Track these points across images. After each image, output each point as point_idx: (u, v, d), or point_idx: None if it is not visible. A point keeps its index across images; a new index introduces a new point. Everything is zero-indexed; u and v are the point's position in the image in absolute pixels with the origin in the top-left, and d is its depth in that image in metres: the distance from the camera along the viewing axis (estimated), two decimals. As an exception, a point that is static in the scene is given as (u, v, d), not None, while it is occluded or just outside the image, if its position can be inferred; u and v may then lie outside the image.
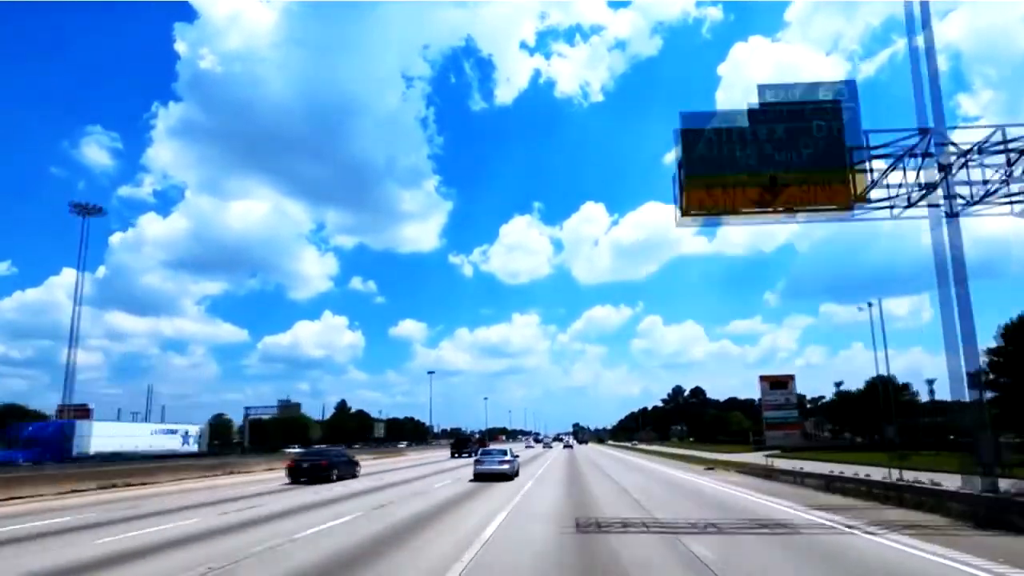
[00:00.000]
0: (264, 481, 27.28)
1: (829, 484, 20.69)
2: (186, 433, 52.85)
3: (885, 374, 43.40)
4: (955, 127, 12.87)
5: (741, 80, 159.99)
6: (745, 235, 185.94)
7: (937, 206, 13.45)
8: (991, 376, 39.69)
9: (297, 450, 62.13)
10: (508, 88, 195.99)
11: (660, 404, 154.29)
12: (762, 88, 13.89)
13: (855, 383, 71.18)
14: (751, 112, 13.81)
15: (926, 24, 13.09)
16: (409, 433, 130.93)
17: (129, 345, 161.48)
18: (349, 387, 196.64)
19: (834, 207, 13.08)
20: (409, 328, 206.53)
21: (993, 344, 40.84)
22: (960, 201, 13.36)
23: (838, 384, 67.85)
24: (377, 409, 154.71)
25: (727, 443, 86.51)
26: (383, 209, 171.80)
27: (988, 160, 12.94)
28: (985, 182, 13.10)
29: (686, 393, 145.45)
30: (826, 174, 13.03)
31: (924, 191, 13.13)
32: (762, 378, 65.46)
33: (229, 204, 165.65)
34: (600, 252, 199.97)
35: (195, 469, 29.50)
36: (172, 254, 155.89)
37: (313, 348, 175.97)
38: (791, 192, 13.06)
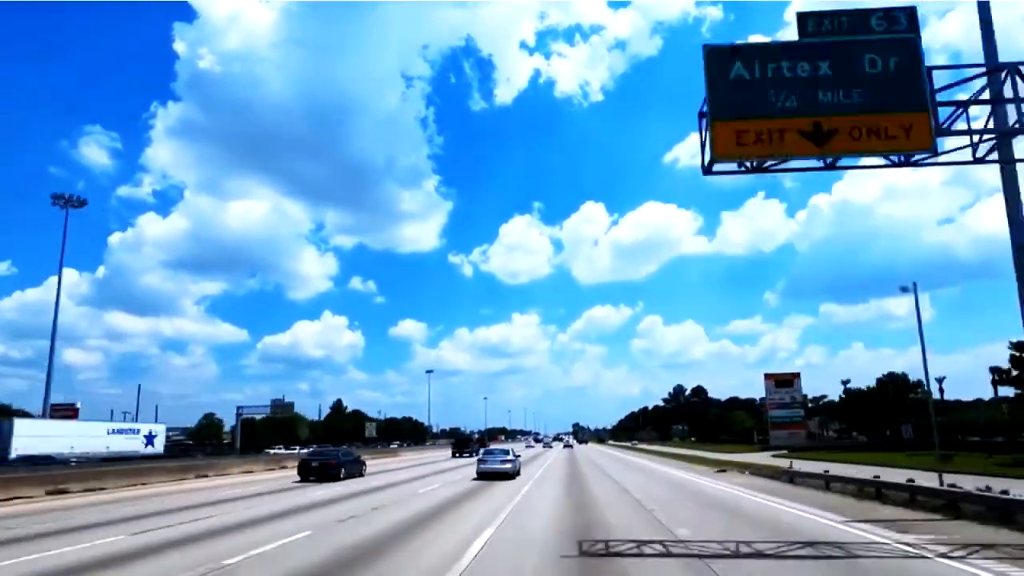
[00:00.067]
0: (236, 485, 24.77)
1: (863, 490, 18.17)
2: (150, 433, 48.69)
3: (925, 369, 40.64)
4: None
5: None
6: (745, 235, 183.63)
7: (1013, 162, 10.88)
8: (1014, 373, 37.00)
9: (280, 451, 59.58)
10: (508, 88, 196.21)
11: (661, 404, 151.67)
12: (802, 18, 11.37)
13: (857, 383, 68.82)
14: (789, 47, 11.30)
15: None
16: (407, 433, 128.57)
17: (129, 345, 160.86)
18: (349, 387, 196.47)
19: (895, 150, 10.54)
20: (409, 328, 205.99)
21: (1010, 340, 38.17)
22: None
23: (845, 382, 65.12)
24: (376, 409, 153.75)
25: (730, 443, 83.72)
26: (383, 209, 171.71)
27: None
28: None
29: (687, 392, 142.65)
30: (884, 116, 10.51)
31: (999, 137, 10.58)
32: (767, 376, 63.50)
33: (228, 204, 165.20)
34: (600, 252, 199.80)
35: (158, 473, 26.40)
36: (171, 254, 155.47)
37: (313, 348, 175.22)
38: (841, 138, 10.53)
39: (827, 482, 20.52)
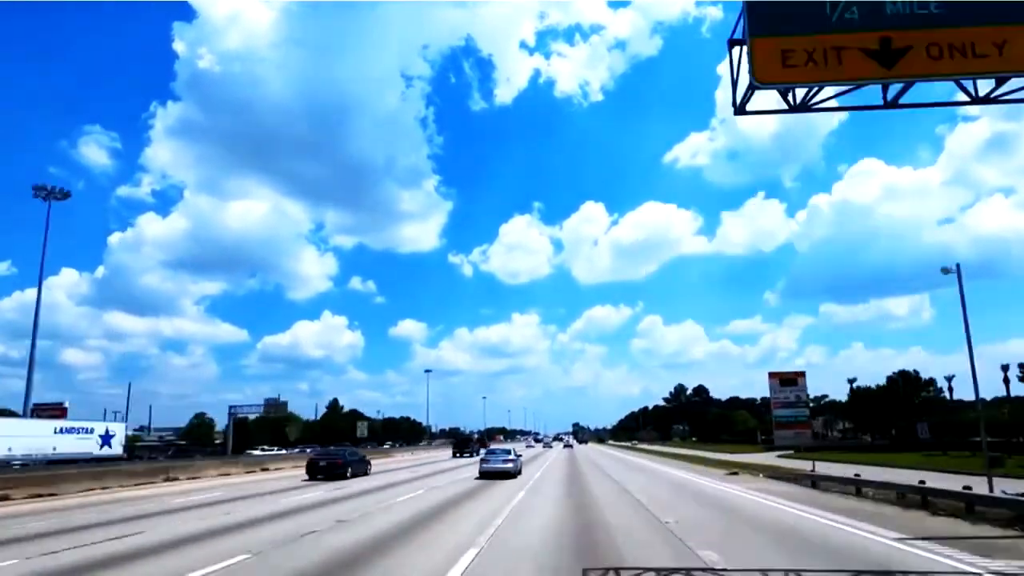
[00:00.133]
0: (208, 489, 22.32)
1: (904, 497, 15.77)
2: (106, 433, 44.16)
3: (973, 369, 38.25)
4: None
5: (742, 79, 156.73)
6: (745, 235, 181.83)
7: None
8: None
9: (269, 451, 56.52)
10: (508, 88, 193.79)
11: (662, 403, 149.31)
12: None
13: (858, 382, 66.26)
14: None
15: None
16: (405, 433, 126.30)
17: (128, 345, 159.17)
18: (349, 387, 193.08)
19: (984, 72, 8.15)
20: (409, 328, 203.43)
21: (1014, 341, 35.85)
22: None
23: (851, 381, 62.32)
24: (376, 409, 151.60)
25: (732, 443, 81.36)
26: (382, 209, 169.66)
27: None
28: None
29: (689, 392, 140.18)
30: (971, 28, 8.14)
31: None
32: (771, 375, 60.51)
33: (228, 204, 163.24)
34: (600, 252, 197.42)
35: (116, 476, 23.80)
36: (171, 254, 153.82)
37: (313, 348, 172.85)
38: (915, 57, 8.15)
39: (858, 487, 18.14)
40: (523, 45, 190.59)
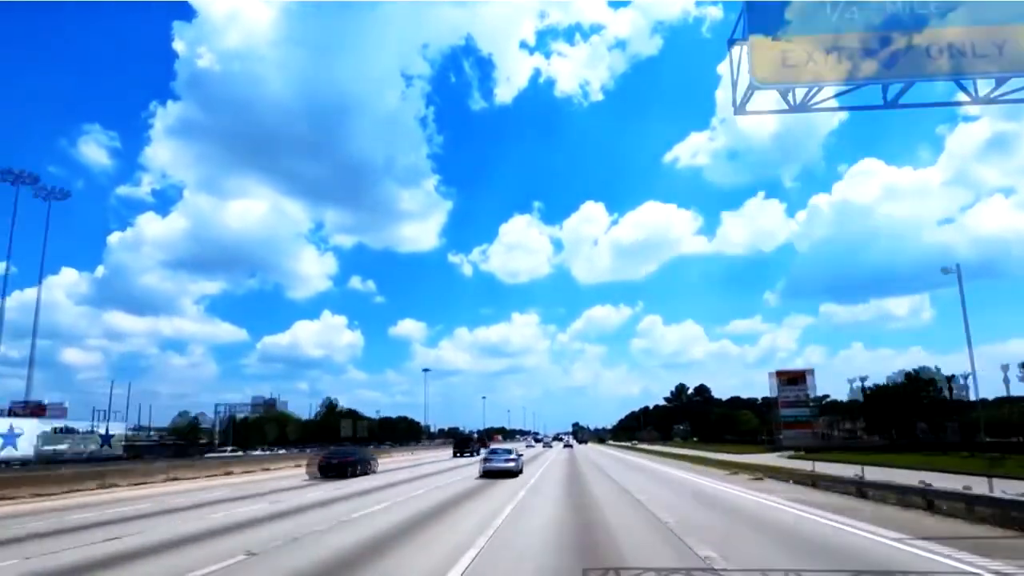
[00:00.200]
0: (131, 501, 19.25)
1: (973, 507, 13.33)
2: (10, 432, 39.81)
3: (973, 366, 38.58)
4: None
5: (742, 79, 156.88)
6: (745, 235, 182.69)
7: None
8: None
9: (226, 455, 55.01)
10: (508, 87, 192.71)
11: (662, 403, 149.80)
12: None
13: (862, 382, 66.46)
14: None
15: None
16: (403, 433, 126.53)
17: (128, 345, 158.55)
18: (348, 387, 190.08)
19: (983, 72, 8.41)
20: (408, 328, 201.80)
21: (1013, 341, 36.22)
22: None
23: (862, 379, 62.28)
24: (375, 409, 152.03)
25: (734, 443, 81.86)
26: (382, 208, 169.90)
27: None
28: None
29: (690, 391, 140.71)
30: (970, 28, 8.40)
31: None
32: (776, 374, 61.65)
33: (228, 203, 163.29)
34: (600, 252, 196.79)
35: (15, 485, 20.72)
36: (171, 254, 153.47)
37: (312, 348, 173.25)
38: (915, 57, 8.41)
39: (929, 501, 14.77)
40: (523, 45, 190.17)
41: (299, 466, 39.13)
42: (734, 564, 8.70)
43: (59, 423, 48.40)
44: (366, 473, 29.26)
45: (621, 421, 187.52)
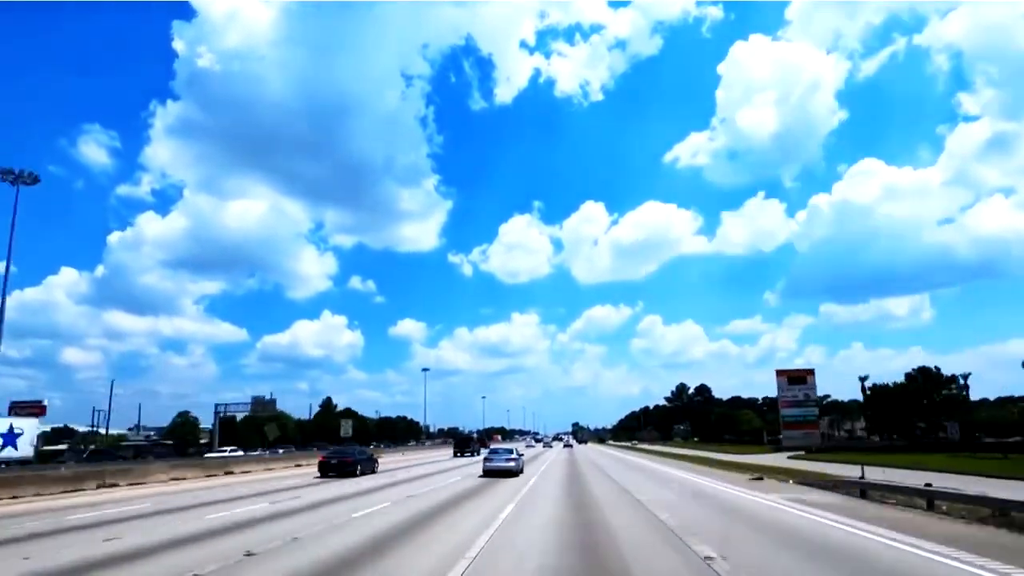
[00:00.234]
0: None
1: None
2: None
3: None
4: None
5: (741, 79, 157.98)
6: (745, 235, 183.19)
7: None
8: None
9: (227, 453, 53.63)
10: (508, 87, 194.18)
11: (663, 403, 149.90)
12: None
13: (856, 382, 66.20)
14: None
15: None
16: (402, 433, 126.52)
17: (128, 344, 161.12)
18: (348, 387, 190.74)
19: None
20: (408, 327, 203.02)
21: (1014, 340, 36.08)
22: None
23: (863, 379, 62.10)
24: (374, 409, 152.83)
25: (736, 443, 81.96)
26: (382, 208, 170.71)
27: None
28: None
29: (691, 391, 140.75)
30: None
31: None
32: (779, 373, 61.40)
33: (227, 203, 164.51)
34: (600, 252, 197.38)
35: None
36: (170, 253, 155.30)
37: (312, 348, 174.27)
38: None
39: (930, 500, 14.55)
40: (523, 44, 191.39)
41: (299, 466, 39.13)
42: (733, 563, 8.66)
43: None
44: (366, 473, 29.73)
45: (621, 421, 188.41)
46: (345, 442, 65.02)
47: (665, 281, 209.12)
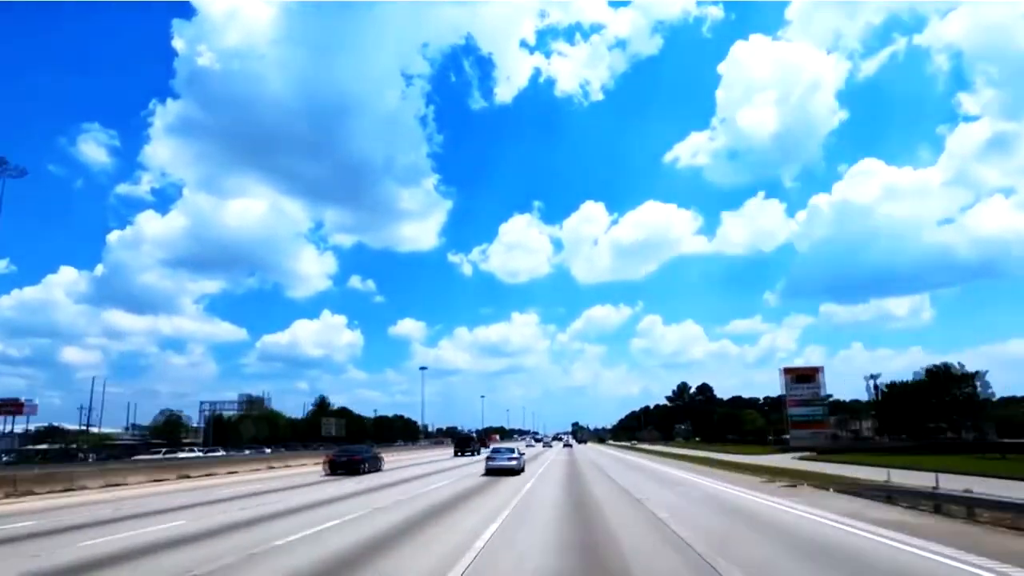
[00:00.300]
0: None
1: None
2: None
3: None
4: None
5: (742, 78, 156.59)
6: (745, 235, 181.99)
7: None
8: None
9: (187, 454, 48.91)
10: (508, 87, 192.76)
11: (663, 402, 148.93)
12: None
13: (859, 382, 63.91)
14: None
15: None
16: (399, 432, 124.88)
17: (128, 344, 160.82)
18: (348, 386, 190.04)
19: None
20: (408, 327, 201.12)
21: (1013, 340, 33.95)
22: None
23: (874, 376, 59.52)
24: (373, 408, 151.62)
25: (739, 443, 79.96)
26: (382, 208, 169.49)
27: None
28: None
29: (692, 390, 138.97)
30: None
31: None
32: (785, 371, 59.51)
33: (227, 202, 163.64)
34: (600, 251, 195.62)
35: None
36: (170, 252, 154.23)
37: (312, 347, 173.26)
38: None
39: None
40: (523, 44, 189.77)
41: (271, 467, 36.53)
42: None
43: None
44: (371, 471, 30.61)
45: (621, 421, 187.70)
46: (328, 441, 62.98)
47: (665, 281, 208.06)
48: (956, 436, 53.32)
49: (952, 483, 16.43)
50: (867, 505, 15.21)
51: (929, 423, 52.27)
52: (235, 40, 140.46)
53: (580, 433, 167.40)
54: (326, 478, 27.31)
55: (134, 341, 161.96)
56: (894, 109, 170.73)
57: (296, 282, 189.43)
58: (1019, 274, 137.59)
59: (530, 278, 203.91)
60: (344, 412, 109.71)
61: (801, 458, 40.52)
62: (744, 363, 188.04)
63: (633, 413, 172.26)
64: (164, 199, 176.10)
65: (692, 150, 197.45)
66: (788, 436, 57.68)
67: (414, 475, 28.65)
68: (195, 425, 74.12)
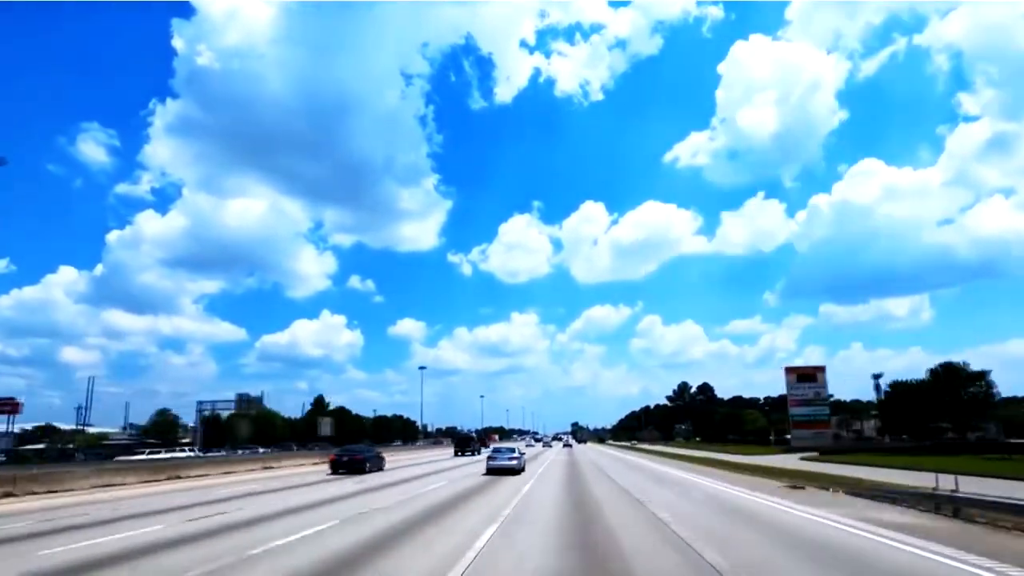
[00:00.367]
0: None
1: None
2: None
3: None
4: None
5: (742, 78, 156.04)
6: (745, 235, 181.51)
7: None
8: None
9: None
10: (508, 87, 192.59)
11: (664, 402, 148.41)
12: None
13: (860, 382, 62.94)
14: None
15: None
16: (398, 432, 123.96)
17: (127, 343, 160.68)
18: (348, 386, 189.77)
19: None
20: (408, 327, 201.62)
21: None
22: None
23: (877, 376, 58.46)
24: (372, 408, 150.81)
25: (740, 443, 79.10)
26: (382, 208, 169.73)
27: None
28: None
29: (693, 390, 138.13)
30: None
31: None
32: (788, 370, 58.73)
33: (227, 202, 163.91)
34: (599, 251, 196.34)
35: None
36: (170, 252, 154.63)
37: (311, 347, 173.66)
38: None
39: None
40: (523, 44, 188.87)
41: (267, 467, 35.48)
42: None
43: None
44: (374, 470, 31.08)
45: (621, 421, 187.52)
46: (324, 441, 62.13)
47: (665, 281, 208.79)
48: (958, 436, 52.42)
49: (985, 487, 15.21)
50: (875, 507, 14.48)
51: (935, 423, 51.32)
52: (235, 40, 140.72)
53: (580, 433, 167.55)
54: (329, 477, 27.77)
55: (133, 341, 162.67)
56: (894, 109, 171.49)
57: (296, 282, 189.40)
58: (1019, 274, 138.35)
59: (530, 278, 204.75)
60: (342, 412, 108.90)
61: (804, 459, 39.84)
62: (744, 363, 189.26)
63: (633, 413, 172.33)
64: (164, 199, 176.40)
65: (692, 150, 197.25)
66: (790, 436, 56.82)
67: (415, 475, 28.66)
68: (192, 425, 73.61)
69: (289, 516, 13.71)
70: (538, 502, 16.34)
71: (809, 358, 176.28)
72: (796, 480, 21.74)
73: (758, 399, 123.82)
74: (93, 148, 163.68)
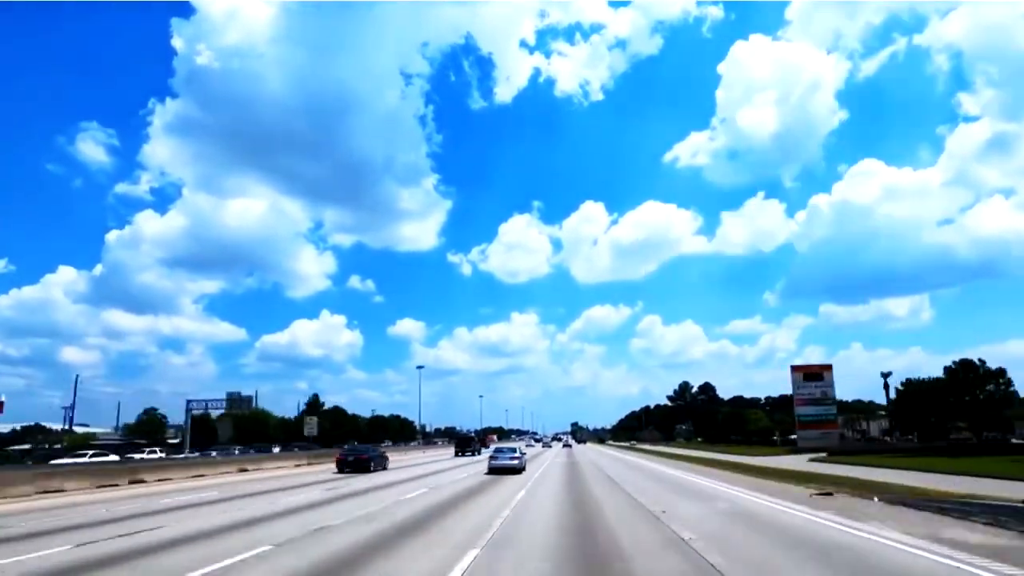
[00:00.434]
0: None
1: None
2: None
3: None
4: None
5: (742, 78, 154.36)
6: (745, 235, 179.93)
7: None
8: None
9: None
10: (508, 86, 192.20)
11: (665, 402, 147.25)
12: None
13: (859, 382, 60.35)
14: None
15: None
16: (395, 432, 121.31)
17: (127, 343, 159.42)
18: (347, 386, 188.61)
19: None
20: (408, 327, 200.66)
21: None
22: None
23: (885, 375, 55.46)
24: (371, 408, 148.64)
25: (743, 444, 76.55)
26: (381, 207, 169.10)
27: None
28: None
29: (694, 390, 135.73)
30: None
31: None
32: (794, 368, 56.25)
33: (226, 202, 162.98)
34: (599, 251, 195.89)
35: None
36: (169, 252, 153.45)
37: (311, 347, 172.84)
38: None
39: None
40: (523, 44, 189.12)
41: (243, 470, 32.82)
42: None
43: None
44: (378, 470, 31.86)
45: (621, 421, 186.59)
46: (306, 441, 59.53)
47: (665, 281, 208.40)
48: (971, 436, 49.77)
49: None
50: (937, 522, 11.42)
51: (949, 423, 48.72)
52: (234, 39, 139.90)
53: (579, 433, 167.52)
54: (335, 476, 28.63)
55: (133, 341, 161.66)
56: (894, 109, 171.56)
57: (295, 282, 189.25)
58: (1019, 274, 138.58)
59: (530, 278, 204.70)
60: (336, 411, 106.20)
61: (813, 460, 38.06)
62: (744, 363, 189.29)
63: (633, 413, 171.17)
64: (163, 199, 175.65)
65: (692, 150, 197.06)
66: (796, 436, 54.26)
67: (415, 475, 28.89)
68: (179, 424, 70.92)
69: (220, 537, 10.85)
70: (537, 503, 16.18)
71: (809, 358, 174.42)
72: (823, 485, 19.03)
73: (759, 399, 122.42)
74: (92, 148, 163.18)
